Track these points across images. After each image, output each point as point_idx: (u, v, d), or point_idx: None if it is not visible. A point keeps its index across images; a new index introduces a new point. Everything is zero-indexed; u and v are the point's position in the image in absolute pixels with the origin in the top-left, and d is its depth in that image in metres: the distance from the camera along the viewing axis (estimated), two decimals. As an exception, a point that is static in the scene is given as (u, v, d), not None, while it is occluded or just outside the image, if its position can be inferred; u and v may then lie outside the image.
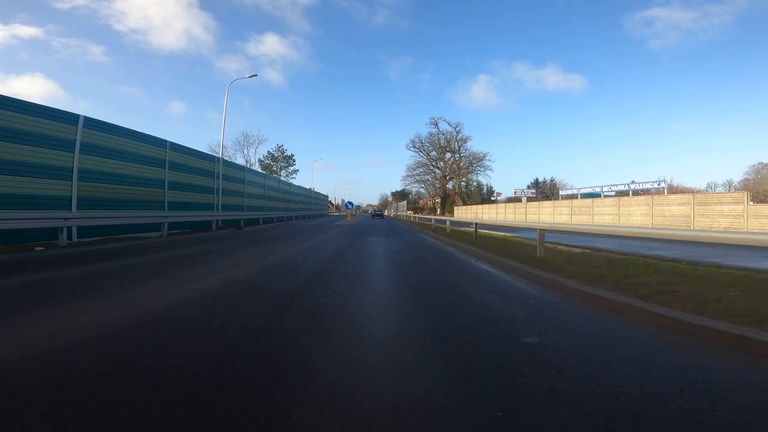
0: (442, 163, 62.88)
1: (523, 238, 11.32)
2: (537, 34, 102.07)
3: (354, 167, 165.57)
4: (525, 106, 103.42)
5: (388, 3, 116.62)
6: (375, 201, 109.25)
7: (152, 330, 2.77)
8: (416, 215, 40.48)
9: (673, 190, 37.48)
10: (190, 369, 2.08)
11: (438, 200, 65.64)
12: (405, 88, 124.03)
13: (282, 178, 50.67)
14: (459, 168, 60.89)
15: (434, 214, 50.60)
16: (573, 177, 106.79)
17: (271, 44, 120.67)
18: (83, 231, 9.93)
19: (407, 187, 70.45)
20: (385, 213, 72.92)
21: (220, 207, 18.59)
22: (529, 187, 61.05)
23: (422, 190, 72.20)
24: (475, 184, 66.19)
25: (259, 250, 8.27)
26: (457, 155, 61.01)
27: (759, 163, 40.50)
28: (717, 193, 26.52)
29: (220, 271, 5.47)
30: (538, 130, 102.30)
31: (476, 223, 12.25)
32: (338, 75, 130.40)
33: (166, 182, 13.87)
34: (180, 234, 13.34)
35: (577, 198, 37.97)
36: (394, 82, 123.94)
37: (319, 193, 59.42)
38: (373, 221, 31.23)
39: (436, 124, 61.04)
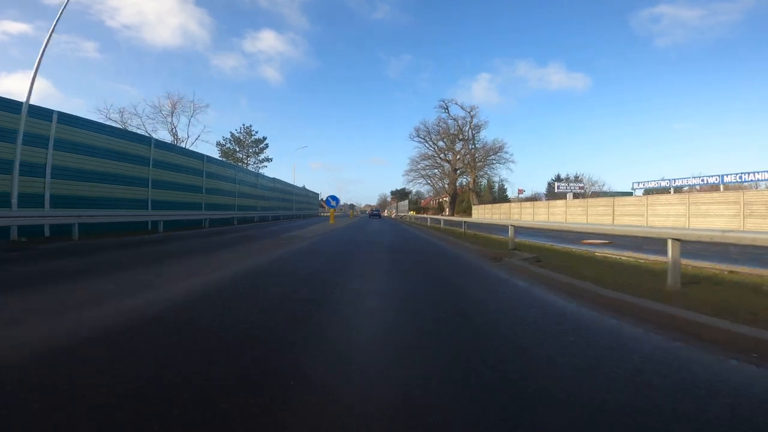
0: (451, 155, 51.94)
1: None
2: (540, 32, 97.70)
3: (353, 167, 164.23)
4: (527, 105, 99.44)
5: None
6: (374, 201, 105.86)
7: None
8: (425, 215, 34.94)
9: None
10: None
11: (446, 198, 55.69)
12: (404, 87, 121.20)
13: (250, 168, 41.92)
14: (474, 160, 49.16)
15: (442, 214, 45.25)
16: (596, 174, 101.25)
17: (268, 41, 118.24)
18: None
19: (410, 184, 58.72)
20: (385, 213, 67.91)
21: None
22: (551, 183, 54.45)
23: (427, 187, 64.59)
24: (497, 180, 53.59)
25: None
26: (471, 145, 49.66)
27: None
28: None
29: None
30: (539, 129, 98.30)
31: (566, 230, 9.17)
32: (337, 73, 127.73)
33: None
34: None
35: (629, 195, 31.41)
36: (393, 81, 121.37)
37: (308, 190, 53.12)
38: (370, 223, 27.44)
39: (447, 108, 49.12)
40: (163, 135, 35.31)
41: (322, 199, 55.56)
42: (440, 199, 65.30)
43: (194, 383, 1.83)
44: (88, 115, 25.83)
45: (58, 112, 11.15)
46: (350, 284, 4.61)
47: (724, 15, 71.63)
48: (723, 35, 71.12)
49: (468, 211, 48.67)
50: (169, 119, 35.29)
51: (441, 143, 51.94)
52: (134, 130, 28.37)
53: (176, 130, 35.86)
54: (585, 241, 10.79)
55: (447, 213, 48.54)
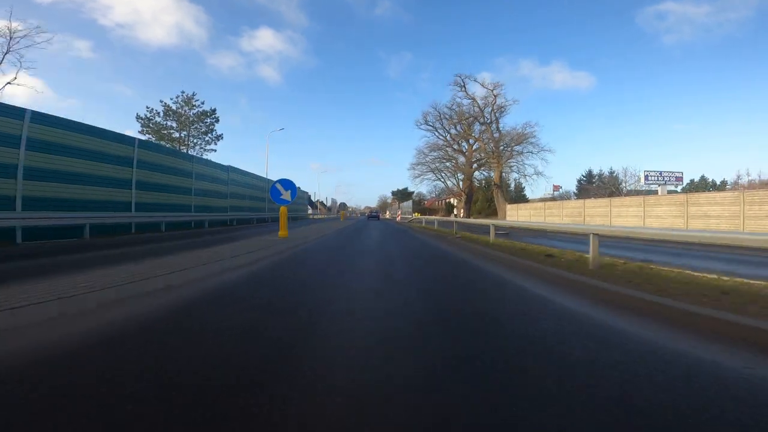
0: (467, 146, 42.06)
1: None
2: (542, 30, 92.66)
3: (352, 169, 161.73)
4: (530, 104, 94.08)
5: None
6: (374, 203, 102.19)
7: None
8: (434, 218, 27.10)
9: None
10: None
11: (452, 198, 45.60)
12: (404, 87, 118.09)
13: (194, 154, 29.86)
14: (497, 149, 37.87)
15: (454, 216, 39.20)
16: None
17: (265, 39, 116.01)
18: None
19: (416, 180, 46.95)
20: (388, 215, 63.06)
21: None
22: (580, 180, 49.13)
23: (429, 187, 57.52)
24: (533, 173, 37.72)
25: None
26: (494, 129, 38.43)
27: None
28: None
29: None
30: (542, 129, 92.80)
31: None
32: (336, 73, 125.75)
33: None
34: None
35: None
36: (393, 81, 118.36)
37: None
38: (366, 231, 17.83)
39: (463, 85, 38.13)
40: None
41: (320, 200, 49.87)
42: (447, 199, 59.22)
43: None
44: None
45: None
46: None
47: (732, 12, 65.35)
48: (730, 33, 66.01)
49: (486, 212, 42.69)
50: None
51: (453, 130, 42.06)
52: None
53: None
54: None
55: (462, 214, 40.08)
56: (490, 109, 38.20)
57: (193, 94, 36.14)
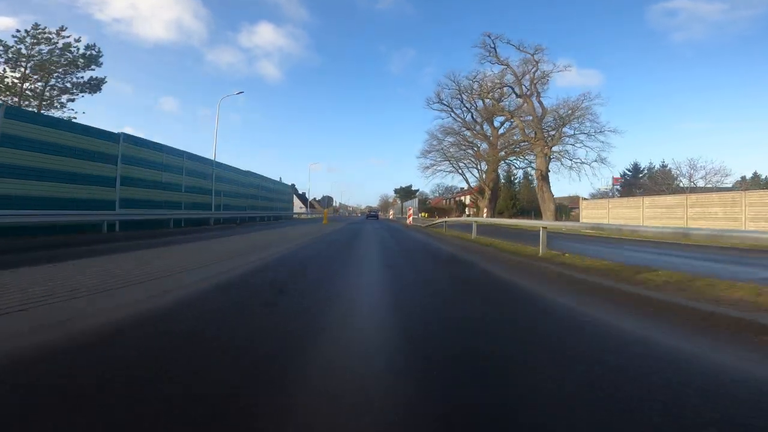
0: (491, 129, 32.85)
1: None
2: (550, 27, 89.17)
3: (353, 168, 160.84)
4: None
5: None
6: (375, 203, 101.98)
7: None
8: (444, 219, 19.01)
9: None
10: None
11: (485, 192, 33.14)
12: (407, 83, 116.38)
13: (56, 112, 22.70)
14: (540, 130, 27.24)
15: (467, 215, 34.22)
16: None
17: (265, 34, 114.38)
18: None
19: (427, 172, 36.55)
20: (390, 215, 59.66)
21: None
22: (623, 176, 44.62)
23: (431, 187, 50.85)
24: (595, 159, 27.71)
25: None
26: (537, 103, 27.70)
27: None
28: None
29: None
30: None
31: None
32: (337, 69, 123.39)
33: None
34: None
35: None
36: (395, 77, 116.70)
37: (262, 176, 28.57)
38: (360, 236, 12.96)
39: (493, 48, 28.24)
40: None
41: (316, 200, 42.31)
42: (458, 197, 55.01)
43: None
44: None
45: None
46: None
47: (745, 10, 60.21)
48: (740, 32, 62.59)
49: (511, 212, 36.74)
50: None
51: (474, 109, 32.62)
52: None
53: None
54: None
55: (486, 214, 30.85)
56: (528, 80, 28.15)
57: (63, 27, 24.39)
